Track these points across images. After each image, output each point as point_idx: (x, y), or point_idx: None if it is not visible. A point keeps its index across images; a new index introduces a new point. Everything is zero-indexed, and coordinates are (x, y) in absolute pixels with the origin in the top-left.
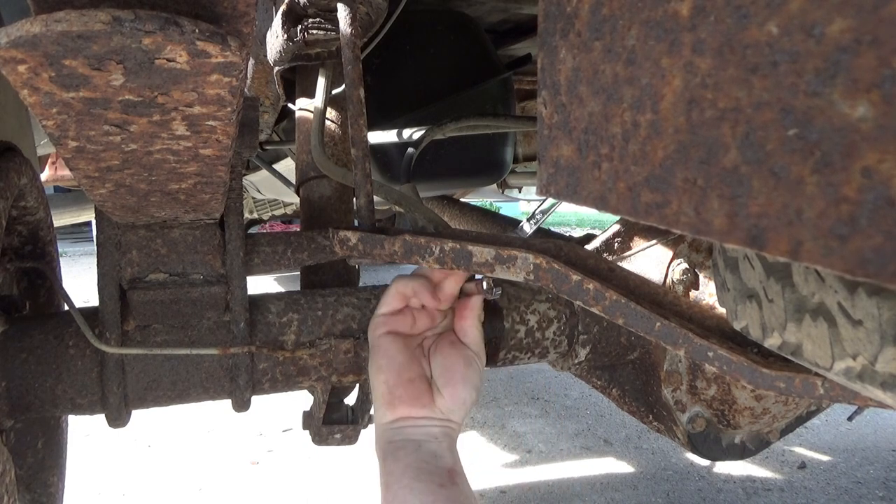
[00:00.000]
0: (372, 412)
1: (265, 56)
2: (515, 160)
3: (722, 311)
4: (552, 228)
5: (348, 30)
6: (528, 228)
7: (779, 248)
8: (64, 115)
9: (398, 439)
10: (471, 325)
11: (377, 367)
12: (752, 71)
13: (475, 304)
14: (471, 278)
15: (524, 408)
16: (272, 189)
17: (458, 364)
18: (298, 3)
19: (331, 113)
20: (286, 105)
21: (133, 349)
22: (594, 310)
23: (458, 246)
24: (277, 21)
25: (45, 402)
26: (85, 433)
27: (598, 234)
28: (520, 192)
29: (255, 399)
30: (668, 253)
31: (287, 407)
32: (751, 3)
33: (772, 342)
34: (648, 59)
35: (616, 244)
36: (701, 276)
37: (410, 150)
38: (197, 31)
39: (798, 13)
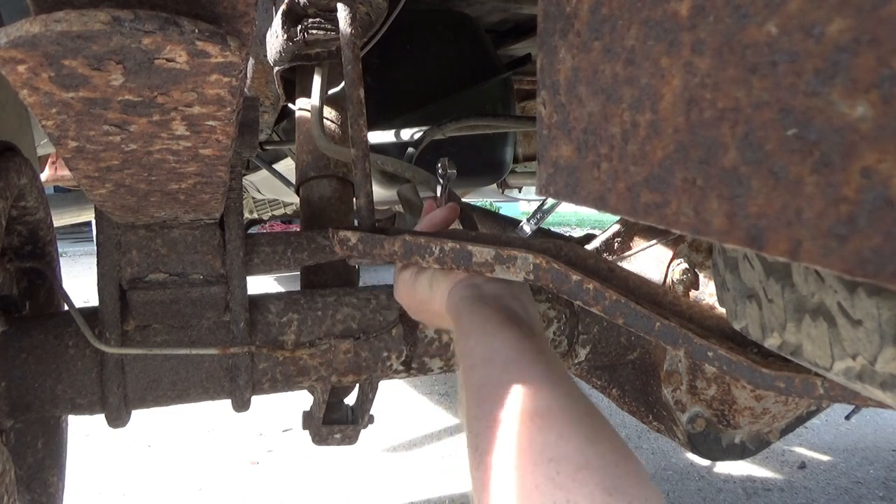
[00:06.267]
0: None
1: (265, 56)
2: (515, 160)
3: (722, 311)
4: (552, 228)
5: (348, 30)
6: (528, 228)
7: (778, 248)
8: (64, 115)
9: (470, 294)
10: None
11: (419, 269)
12: (751, 71)
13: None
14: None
15: None
16: (272, 189)
17: None
18: (298, 3)
19: (331, 113)
20: (286, 105)
21: (133, 349)
22: (594, 310)
23: (458, 246)
24: (277, 21)
25: (44, 402)
26: (85, 433)
27: (598, 234)
28: (520, 192)
29: (255, 399)
30: (668, 253)
31: (287, 407)
32: (750, 3)
33: (772, 342)
34: (648, 58)
35: (616, 244)
36: (701, 276)
37: (410, 149)
38: (196, 31)
39: (797, 13)
